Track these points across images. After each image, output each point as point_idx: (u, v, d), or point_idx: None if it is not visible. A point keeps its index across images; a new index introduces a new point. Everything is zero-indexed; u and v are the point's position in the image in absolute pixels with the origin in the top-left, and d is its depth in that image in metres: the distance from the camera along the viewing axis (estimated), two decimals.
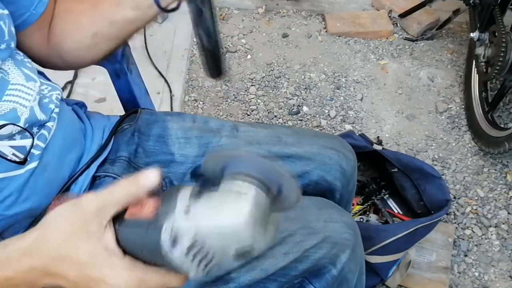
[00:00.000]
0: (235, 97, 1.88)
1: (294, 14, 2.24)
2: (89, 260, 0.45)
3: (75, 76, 1.78)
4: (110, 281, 0.44)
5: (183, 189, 0.45)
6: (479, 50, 1.69)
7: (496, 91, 1.72)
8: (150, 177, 0.47)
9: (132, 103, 0.99)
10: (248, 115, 1.83)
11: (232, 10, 2.21)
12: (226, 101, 1.87)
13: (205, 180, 0.46)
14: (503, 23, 1.59)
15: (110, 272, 0.45)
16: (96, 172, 0.80)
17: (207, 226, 0.42)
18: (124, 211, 0.47)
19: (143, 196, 0.47)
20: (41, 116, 0.69)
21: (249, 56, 2.02)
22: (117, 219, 0.47)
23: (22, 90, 0.67)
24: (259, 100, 1.87)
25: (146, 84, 1.04)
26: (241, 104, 1.86)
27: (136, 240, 0.45)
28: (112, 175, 0.79)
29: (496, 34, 1.60)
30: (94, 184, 0.79)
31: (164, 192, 0.47)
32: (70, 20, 0.77)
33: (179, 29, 2.04)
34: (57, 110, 0.74)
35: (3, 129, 0.63)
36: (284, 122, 1.81)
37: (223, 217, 0.42)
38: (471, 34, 1.72)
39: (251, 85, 1.91)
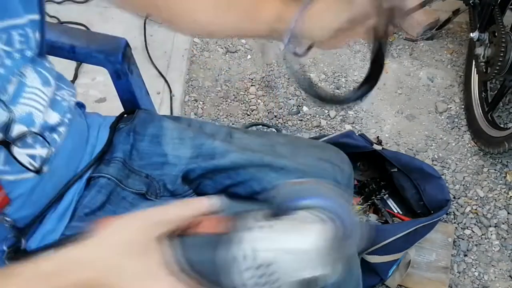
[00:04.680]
0: (235, 97, 1.88)
1: None
2: (142, 272, 0.45)
3: (75, 76, 1.78)
4: None
5: (253, 211, 0.46)
6: (479, 50, 1.69)
7: (496, 91, 1.72)
8: (206, 202, 0.48)
9: (132, 103, 0.99)
10: (248, 115, 1.83)
11: None
12: (226, 101, 1.87)
13: (275, 207, 0.46)
14: (503, 23, 1.59)
15: (162, 285, 0.45)
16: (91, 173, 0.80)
17: (279, 247, 0.42)
18: (182, 231, 0.47)
19: (198, 218, 0.48)
20: (53, 120, 0.70)
21: (249, 56, 2.02)
22: (177, 237, 0.47)
23: (37, 94, 0.67)
24: (259, 100, 1.87)
25: (146, 84, 1.05)
26: (241, 104, 1.86)
27: (197, 256, 0.45)
28: (107, 175, 0.79)
29: (496, 34, 1.60)
30: (89, 185, 0.78)
31: (231, 213, 0.47)
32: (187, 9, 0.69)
33: None
34: (69, 116, 0.74)
35: (16, 132, 0.62)
36: (284, 122, 1.81)
37: (297, 239, 0.42)
38: (471, 34, 1.73)
39: (251, 85, 1.92)
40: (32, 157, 0.66)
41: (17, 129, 0.63)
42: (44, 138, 0.66)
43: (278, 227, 0.43)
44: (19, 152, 0.63)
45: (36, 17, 0.65)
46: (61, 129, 0.72)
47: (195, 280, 0.45)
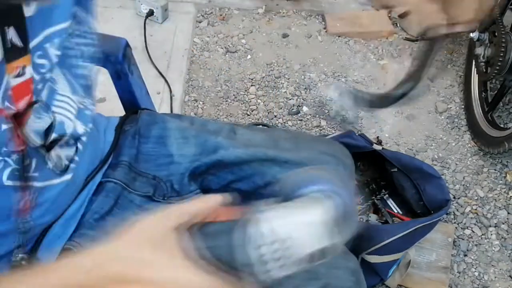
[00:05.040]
0: (235, 97, 1.88)
1: (294, 14, 2.24)
2: (166, 262, 0.45)
3: None
4: (183, 282, 0.45)
5: (262, 201, 0.49)
6: (479, 50, 1.69)
7: (495, 91, 1.73)
8: (219, 197, 0.52)
9: (132, 103, 0.99)
10: (248, 115, 1.83)
11: (232, 10, 2.21)
12: (226, 101, 1.87)
13: (282, 196, 0.50)
14: (502, 23, 1.59)
15: (184, 273, 0.45)
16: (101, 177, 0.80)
17: (291, 222, 0.45)
18: (201, 224, 0.49)
19: (215, 211, 0.50)
20: (80, 129, 0.70)
21: (249, 56, 2.02)
22: (195, 228, 0.49)
23: (68, 102, 0.66)
24: (259, 100, 1.87)
25: (146, 84, 1.05)
26: (241, 104, 1.86)
27: (215, 242, 0.47)
28: (113, 180, 0.79)
29: (496, 34, 1.60)
30: (97, 190, 0.78)
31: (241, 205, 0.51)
32: None
33: (179, 29, 2.05)
34: (91, 125, 0.74)
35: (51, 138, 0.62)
36: (284, 122, 1.81)
37: (306, 214, 0.46)
38: (471, 34, 1.72)
39: (251, 85, 1.92)
40: (61, 162, 0.66)
41: (51, 136, 0.63)
42: (76, 145, 0.67)
43: (288, 207, 0.47)
44: (52, 157, 0.64)
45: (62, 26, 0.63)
46: (84, 138, 0.72)
47: (215, 266, 0.46)
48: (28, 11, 0.53)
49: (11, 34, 0.51)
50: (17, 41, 0.52)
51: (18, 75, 0.54)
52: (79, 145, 0.71)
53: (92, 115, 0.74)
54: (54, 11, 0.58)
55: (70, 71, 0.68)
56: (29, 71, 0.55)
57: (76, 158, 0.70)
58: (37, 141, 0.60)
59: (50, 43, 0.58)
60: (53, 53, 0.60)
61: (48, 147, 0.61)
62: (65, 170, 0.66)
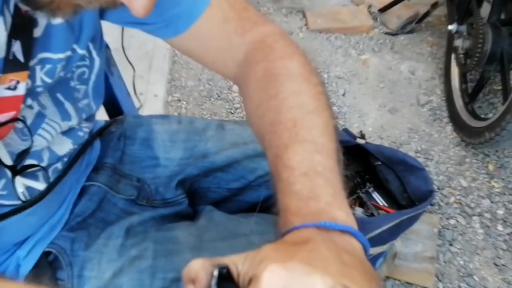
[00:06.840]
0: (219, 96, 1.88)
1: (275, 11, 2.25)
2: None
3: None
4: None
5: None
6: (458, 42, 1.71)
7: (475, 82, 1.75)
8: None
9: (114, 105, 0.99)
10: (232, 113, 1.83)
11: None
12: (210, 100, 1.87)
13: None
14: (480, 15, 1.61)
15: None
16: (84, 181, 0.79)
17: None
18: None
19: None
20: (63, 151, 0.68)
21: None
22: None
23: (55, 128, 0.65)
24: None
25: (128, 85, 1.04)
26: (225, 102, 1.86)
27: None
28: (97, 184, 0.78)
29: (474, 26, 1.62)
30: (81, 193, 0.77)
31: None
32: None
33: None
34: (81, 141, 0.73)
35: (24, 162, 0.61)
36: None
37: None
38: (449, 27, 1.75)
39: (234, 83, 1.91)
40: (28, 188, 0.65)
41: (26, 161, 0.61)
42: (47, 174, 0.66)
43: None
44: (19, 181, 0.62)
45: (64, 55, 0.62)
46: (66, 158, 0.71)
47: None
48: (36, 32, 0.54)
49: (16, 47, 0.52)
50: (19, 55, 0.52)
51: (9, 88, 0.53)
52: (59, 165, 0.69)
53: (84, 136, 0.73)
54: (55, 39, 0.58)
55: (67, 96, 0.66)
56: (22, 88, 0.54)
57: (41, 189, 0.68)
58: (5, 160, 0.58)
59: (41, 66, 0.58)
60: (39, 76, 0.58)
61: (17, 171, 0.60)
62: (27, 202, 0.64)
